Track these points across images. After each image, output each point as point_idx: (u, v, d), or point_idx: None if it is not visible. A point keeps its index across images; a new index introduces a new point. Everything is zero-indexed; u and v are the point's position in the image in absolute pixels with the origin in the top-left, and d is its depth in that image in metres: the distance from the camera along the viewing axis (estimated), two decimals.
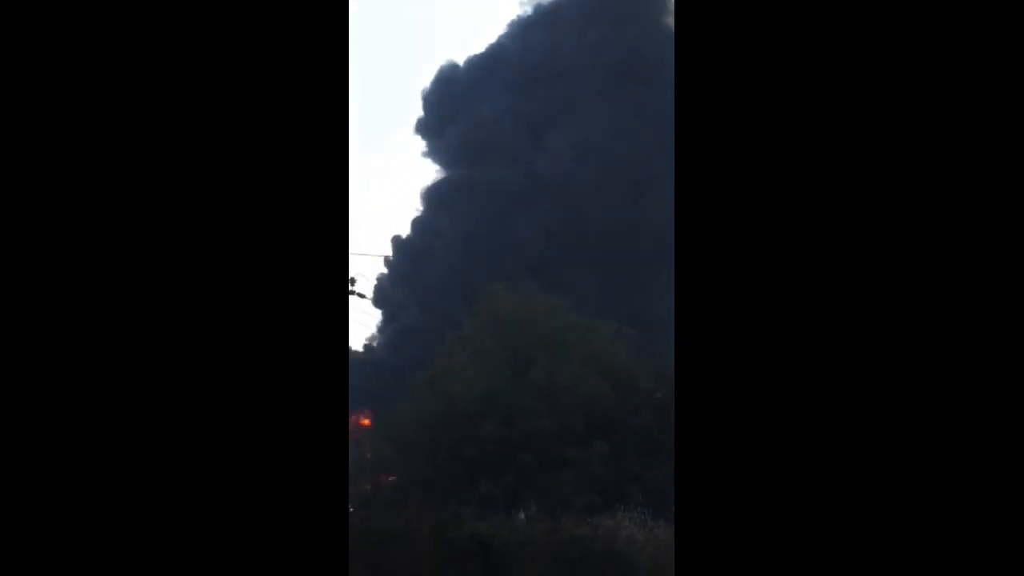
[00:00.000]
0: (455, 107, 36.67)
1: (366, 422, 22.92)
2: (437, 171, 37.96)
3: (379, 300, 34.94)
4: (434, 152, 38.27)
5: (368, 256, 41.45)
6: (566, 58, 35.10)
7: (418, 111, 40.33)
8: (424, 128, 38.43)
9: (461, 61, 39.85)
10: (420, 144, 40.34)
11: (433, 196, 36.56)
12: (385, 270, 36.52)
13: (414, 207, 39.91)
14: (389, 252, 36.67)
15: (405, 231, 38.23)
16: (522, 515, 17.42)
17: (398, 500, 17.80)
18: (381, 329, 35.11)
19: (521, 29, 38.06)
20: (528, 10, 39.18)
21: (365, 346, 34.69)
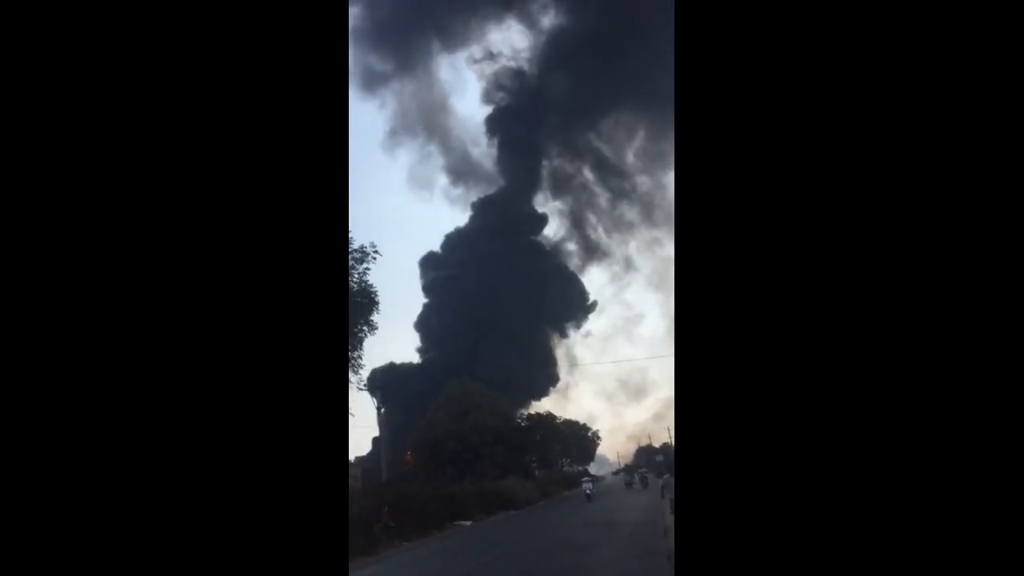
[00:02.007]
0: (436, 267, 60.40)
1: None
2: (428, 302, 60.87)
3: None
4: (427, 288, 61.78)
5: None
6: (488, 232, 58.40)
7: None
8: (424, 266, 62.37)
9: (439, 243, 65.82)
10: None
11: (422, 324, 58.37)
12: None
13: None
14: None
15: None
16: (465, 482, 28.34)
17: (413, 476, 28.35)
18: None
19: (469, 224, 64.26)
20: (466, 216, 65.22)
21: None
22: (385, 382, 35.52)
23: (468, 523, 22.13)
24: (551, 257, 62.85)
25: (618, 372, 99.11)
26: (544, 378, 57.88)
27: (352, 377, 18.44)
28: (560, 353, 60.87)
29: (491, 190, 65.70)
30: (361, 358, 18.71)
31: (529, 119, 63.12)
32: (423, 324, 58.34)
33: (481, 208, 63.08)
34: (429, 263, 63.27)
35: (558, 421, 45.63)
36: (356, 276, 18.18)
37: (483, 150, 75.85)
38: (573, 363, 63.70)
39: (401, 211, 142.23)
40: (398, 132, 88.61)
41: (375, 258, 18.58)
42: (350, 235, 17.90)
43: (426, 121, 76.88)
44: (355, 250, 18.24)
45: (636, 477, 43.20)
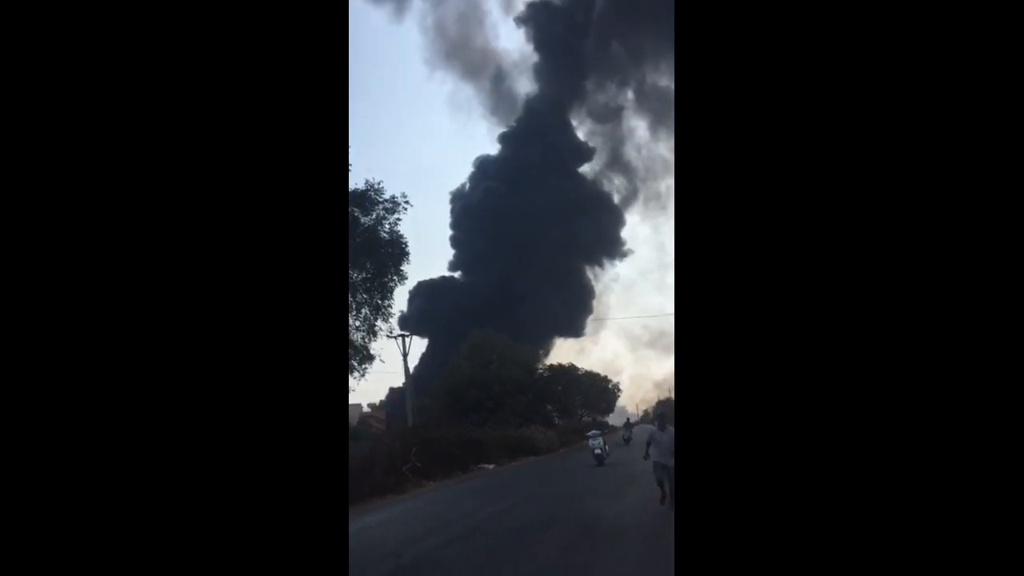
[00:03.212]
0: (466, 199, 58.85)
1: None
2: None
3: None
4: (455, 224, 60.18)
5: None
6: (515, 163, 56.05)
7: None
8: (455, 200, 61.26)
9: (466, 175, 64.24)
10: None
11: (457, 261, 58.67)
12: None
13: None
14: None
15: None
16: (488, 428, 28.82)
17: (437, 421, 27.63)
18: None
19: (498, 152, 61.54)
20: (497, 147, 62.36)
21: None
22: (416, 326, 35.93)
23: (491, 467, 22.76)
24: (590, 185, 58.82)
25: (646, 319, 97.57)
26: (579, 318, 56.23)
27: (382, 325, 19.17)
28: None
29: (531, 123, 59.82)
30: (391, 307, 19.36)
31: (568, 19, 58.62)
32: (457, 261, 56.51)
33: (517, 127, 58.80)
34: (460, 196, 60.54)
35: (579, 372, 45.89)
36: (387, 226, 18.60)
37: (525, 77, 70.28)
38: (598, 315, 62.94)
39: (441, 145, 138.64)
40: (438, 60, 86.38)
41: (406, 208, 18.92)
42: (382, 184, 18.27)
43: (465, 50, 74.18)
44: (386, 200, 18.58)
45: (640, 432, 42.25)
